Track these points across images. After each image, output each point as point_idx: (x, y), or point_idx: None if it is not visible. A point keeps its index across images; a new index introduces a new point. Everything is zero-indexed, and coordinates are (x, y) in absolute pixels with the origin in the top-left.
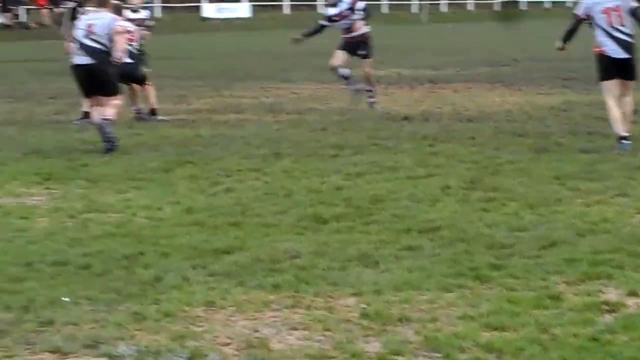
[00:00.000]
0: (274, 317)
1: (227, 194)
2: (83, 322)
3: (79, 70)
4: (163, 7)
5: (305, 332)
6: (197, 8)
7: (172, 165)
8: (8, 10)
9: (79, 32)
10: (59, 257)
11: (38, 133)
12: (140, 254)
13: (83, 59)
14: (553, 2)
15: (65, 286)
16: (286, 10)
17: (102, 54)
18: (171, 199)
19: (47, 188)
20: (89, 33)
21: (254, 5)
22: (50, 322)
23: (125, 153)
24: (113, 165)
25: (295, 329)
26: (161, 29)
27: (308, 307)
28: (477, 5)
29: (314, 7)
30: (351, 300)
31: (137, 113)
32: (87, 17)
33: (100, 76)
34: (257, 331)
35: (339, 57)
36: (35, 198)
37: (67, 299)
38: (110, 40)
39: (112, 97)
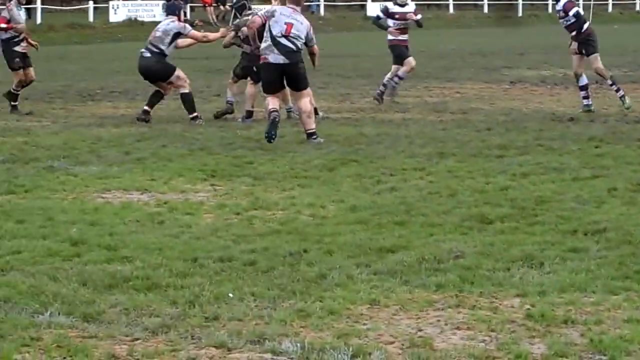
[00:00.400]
0: (438, 316)
1: (391, 192)
2: (248, 318)
3: (272, 69)
4: (327, 5)
5: (469, 332)
6: (362, 7)
7: (336, 163)
8: None
9: (275, 29)
10: (225, 253)
11: (203, 130)
12: (304, 252)
13: (278, 58)
14: None
15: (230, 282)
16: (450, 9)
17: (295, 54)
18: (335, 197)
19: (212, 185)
20: (287, 33)
21: (418, 5)
22: (216, 318)
23: (289, 151)
24: (277, 163)
25: (459, 328)
26: (325, 27)
27: (472, 307)
28: None
29: (479, 7)
30: (515, 301)
31: (289, 111)
32: (284, 14)
33: (293, 74)
34: (420, 330)
35: (576, 62)
36: (200, 194)
37: (232, 295)
38: (302, 44)
39: (303, 90)
